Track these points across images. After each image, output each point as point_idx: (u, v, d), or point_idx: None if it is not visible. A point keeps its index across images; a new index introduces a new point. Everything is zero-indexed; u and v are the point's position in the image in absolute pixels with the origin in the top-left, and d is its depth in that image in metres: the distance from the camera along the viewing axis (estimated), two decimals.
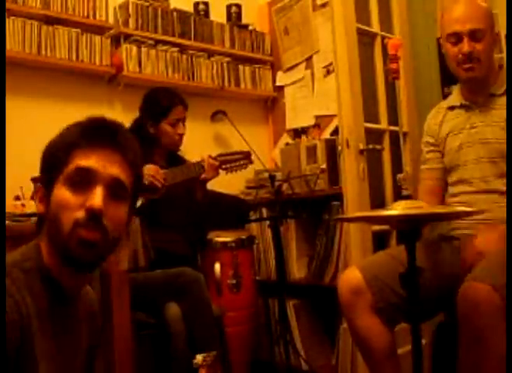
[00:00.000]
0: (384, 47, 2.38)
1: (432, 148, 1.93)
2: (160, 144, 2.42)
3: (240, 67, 3.23)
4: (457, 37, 1.74)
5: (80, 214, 0.97)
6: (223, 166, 2.43)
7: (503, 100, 1.76)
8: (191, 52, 3.00)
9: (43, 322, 0.97)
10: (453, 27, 1.75)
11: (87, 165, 1.00)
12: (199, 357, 1.25)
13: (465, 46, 1.71)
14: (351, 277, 1.73)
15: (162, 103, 2.41)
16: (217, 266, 2.43)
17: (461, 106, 1.86)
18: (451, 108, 1.89)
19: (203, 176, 2.38)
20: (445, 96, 2.59)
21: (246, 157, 2.49)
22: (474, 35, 1.71)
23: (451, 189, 1.87)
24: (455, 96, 1.91)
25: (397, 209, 1.33)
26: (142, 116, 2.44)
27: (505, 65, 2.37)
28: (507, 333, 1.31)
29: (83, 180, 0.99)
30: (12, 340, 0.89)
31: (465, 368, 1.42)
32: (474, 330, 1.38)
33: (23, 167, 2.24)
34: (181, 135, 2.42)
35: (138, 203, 2.27)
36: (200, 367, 1.24)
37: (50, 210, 1.00)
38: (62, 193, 0.99)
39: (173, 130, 2.40)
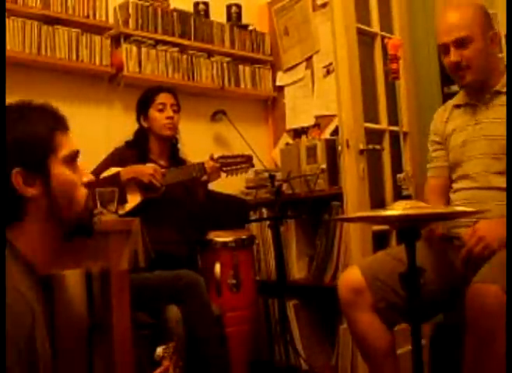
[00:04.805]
0: (384, 47, 2.38)
1: (437, 146, 1.94)
2: (156, 137, 2.44)
3: (240, 67, 3.23)
4: (444, 48, 1.78)
5: (83, 190, 1.16)
6: (224, 169, 2.43)
7: None
8: (191, 52, 3.00)
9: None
10: (440, 39, 1.80)
11: (76, 147, 1.16)
12: (159, 350, 1.33)
13: (451, 56, 1.76)
14: (351, 276, 1.73)
15: (146, 93, 2.47)
16: (217, 266, 2.43)
17: (466, 105, 1.86)
18: (457, 106, 1.90)
19: (205, 178, 2.38)
20: (445, 96, 2.59)
21: (247, 160, 2.49)
22: (460, 43, 1.74)
23: (454, 186, 1.87)
24: (461, 95, 1.92)
25: (397, 209, 1.33)
26: (137, 117, 2.48)
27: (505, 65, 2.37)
28: (507, 334, 1.32)
29: (74, 160, 1.16)
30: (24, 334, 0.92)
31: (471, 369, 1.42)
32: (482, 331, 1.37)
33: None
34: (170, 118, 2.42)
35: (139, 200, 2.28)
36: (162, 359, 1.32)
37: (56, 189, 1.10)
38: (66, 173, 1.12)
39: (161, 115, 2.42)
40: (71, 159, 1.14)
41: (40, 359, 0.94)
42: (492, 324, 1.34)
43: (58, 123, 1.15)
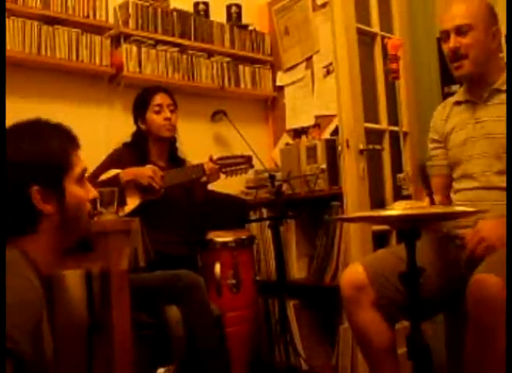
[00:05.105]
0: (384, 47, 2.38)
1: (436, 144, 1.94)
2: (154, 139, 2.43)
3: (240, 67, 3.23)
4: (445, 35, 1.79)
5: (89, 205, 1.22)
6: (223, 170, 2.43)
7: None
8: (191, 52, 3.00)
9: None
10: (442, 25, 1.81)
11: (85, 165, 1.21)
12: (161, 370, 1.44)
13: (451, 42, 1.76)
14: (354, 272, 1.73)
15: (142, 95, 2.46)
16: (217, 266, 2.43)
17: (467, 101, 1.86)
18: (457, 103, 1.90)
19: (204, 179, 2.38)
20: (445, 96, 2.59)
21: (246, 161, 2.49)
22: (459, 30, 1.75)
23: (455, 185, 1.87)
24: (461, 92, 1.91)
25: (397, 209, 1.33)
26: (134, 120, 2.48)
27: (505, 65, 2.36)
28: (507, 331, 1.32)
29: (84, 177, 1.21)
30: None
31: (472, 359, 1.42)
32: (483, 321, 1.37)
33: None
34: (168, 119, 2.41)
35: (137, 202, 2.27)
36: None
37: (69, 207, 1.15)
38: (78, 191, 1.17)
39: (159, 116, 2.41)
40: (82, 177, 1.20)
41: (46, 347, 0.96)
42: (494, 315, 1.34)
43: (72, 143, 1.20)
